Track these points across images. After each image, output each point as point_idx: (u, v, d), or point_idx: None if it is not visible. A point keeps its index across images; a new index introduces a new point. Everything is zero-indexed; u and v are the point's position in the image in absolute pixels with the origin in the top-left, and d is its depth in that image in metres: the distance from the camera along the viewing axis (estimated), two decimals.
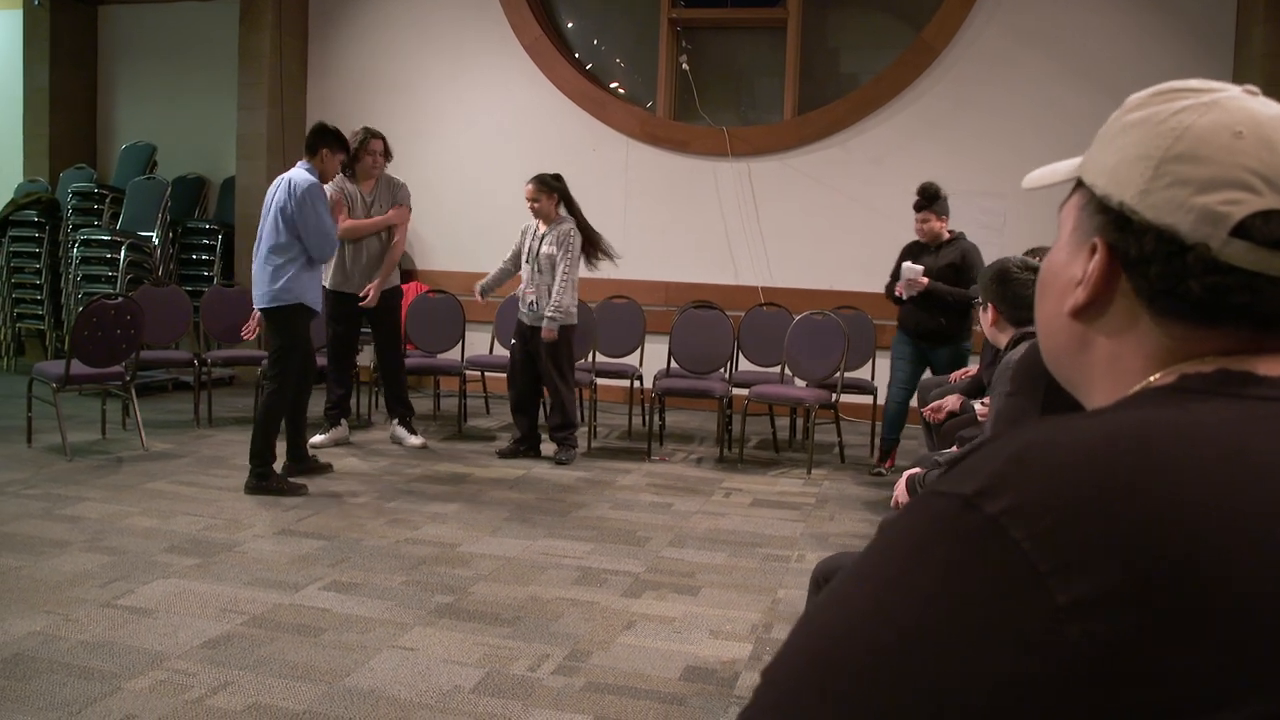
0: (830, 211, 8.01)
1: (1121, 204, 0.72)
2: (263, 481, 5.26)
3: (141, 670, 3.14)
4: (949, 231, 6.00)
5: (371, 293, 6.17)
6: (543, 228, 6.19)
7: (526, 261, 6.21)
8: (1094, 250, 0.74)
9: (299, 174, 5.33)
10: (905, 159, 7.82)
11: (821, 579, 2.43)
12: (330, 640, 3.43)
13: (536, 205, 6.15)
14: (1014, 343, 2.96)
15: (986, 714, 0.54)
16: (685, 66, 8.39)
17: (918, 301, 5.88)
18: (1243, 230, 0.67)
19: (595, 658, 3.37)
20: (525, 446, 6.29)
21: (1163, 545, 0.55)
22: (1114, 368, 0.75)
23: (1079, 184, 0.79)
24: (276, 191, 5.34)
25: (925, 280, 5.81)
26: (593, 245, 6.26)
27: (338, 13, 9.01)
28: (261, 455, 5.27)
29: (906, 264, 5.92)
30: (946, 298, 5.82)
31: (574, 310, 6.21)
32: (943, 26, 7.75)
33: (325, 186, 5.51)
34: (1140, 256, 0.71)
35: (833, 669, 0.59)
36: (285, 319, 5.31)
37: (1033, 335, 2.81)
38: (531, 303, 6.16)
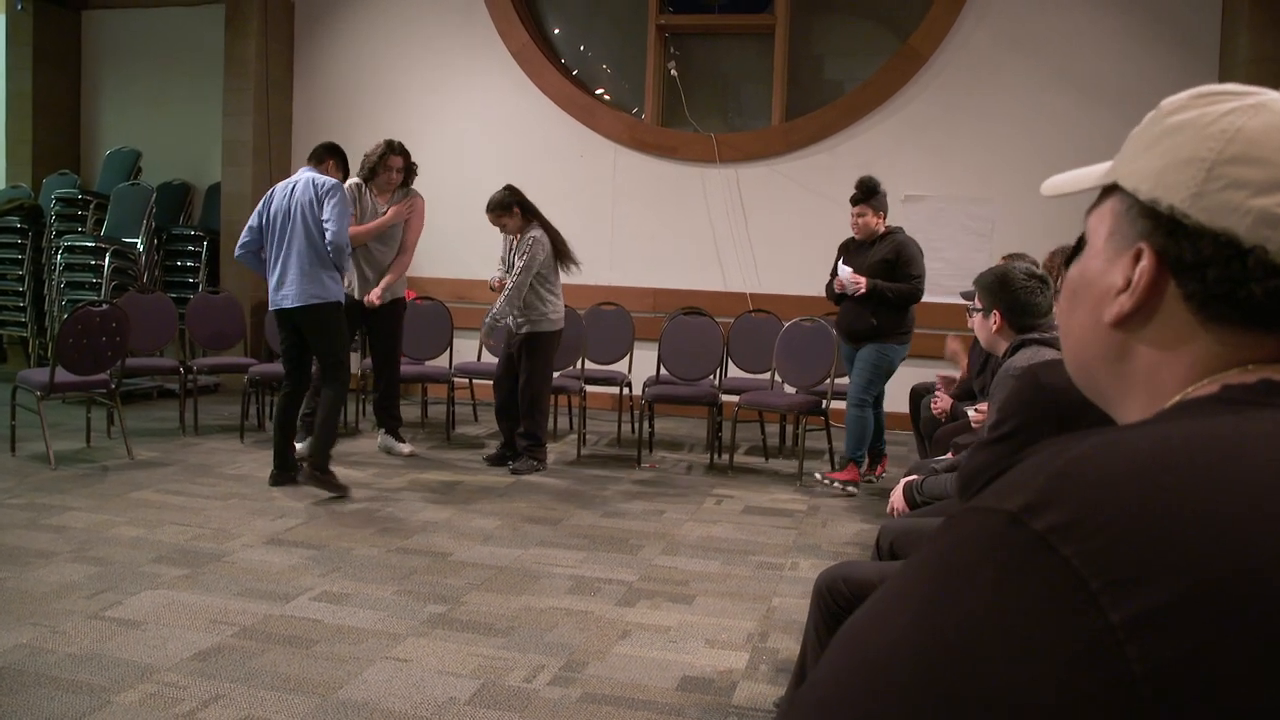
0: (818, 217, 8.01)
1: (1172, 208, 0.70)
2: (322, 475, 5.33)
3: (131, 683, 3.10)
4: (885, 227, 5.87)
5: (376, 294, 6.12)
6: (516, 238, 6.15)
7: (507, 271, 6.17)
8: (1138, 256, 0.72)
9: (318, 176, 5.38)
10: (893, 165, 7.83)
11: (825, 590, 2.41)
12: (322, 652, 3.39)
13: (503, 227, 6.13)
14: (1012, 350, 2.95)
15: None
16: (674, 73, 8.38)
17: (852, 300, 5.77)
18: None
19: (591, 668, 3.34)
20: (510, 453, 6.25)
21: (1217, 559, 0.53)
22: (1154, 378, 0.74)
23: (1112, 189, 0.77)
24: (289, 197, 5.32)
25: (863, 281, 5.68)
26: (559, 250, 6.16)
27: (323, 19, 8.97)
28: (323, 451, 5.36)
29: (842, 268, 5.82)
30: (887, 294, 5.67)
31: (553, 318, 6.13)
32: (930, 32, 7.76)
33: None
34: (1196, 261, 0.69)
35: (876, 692, 0.56)
36: (327, 317, 5.35)
37: (1031, 343, 2.77)
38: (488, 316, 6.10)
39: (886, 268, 5.74)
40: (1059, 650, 0.52)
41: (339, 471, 5.53)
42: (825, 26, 8.44)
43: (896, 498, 3.36)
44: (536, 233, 6.04)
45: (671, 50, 8.49)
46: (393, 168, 6.19)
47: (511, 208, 6.06)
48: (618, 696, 3.13)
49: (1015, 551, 0.56)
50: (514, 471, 6.07)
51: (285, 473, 5.51)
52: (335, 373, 5.40)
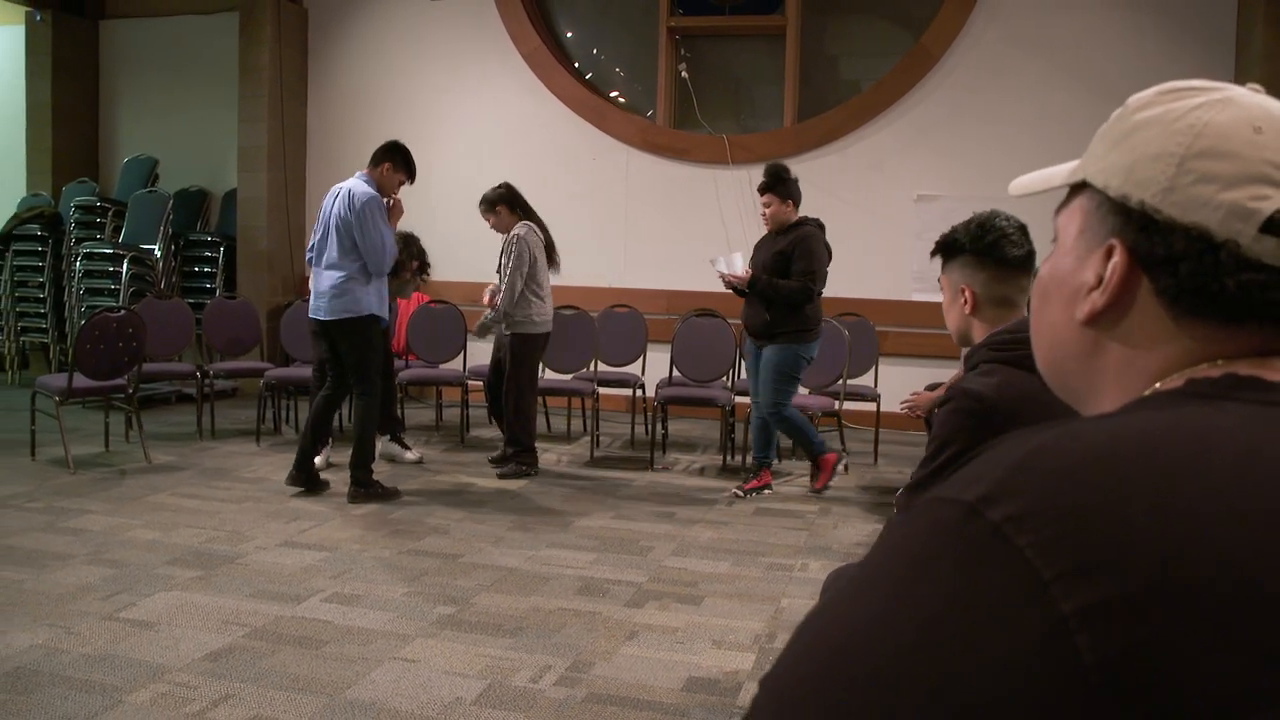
0: (830, 218, 7.90)
1: (1143, 203, 0.71)
2: (366, 489, 5.36)
3: (143, 683, 3.14)
4: (799, 218, 5.60)
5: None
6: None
7: (496, 272, 6.18)
8: (1109, 253, 0.73)
9: (358, 185, 5.33)
10: (905, 165, 7.83)
11: (830, 588, 2.41)
12: (332, 652, 3.42)
13: (492, 223, 6.11)
14: (972, 364, 2.87)
15: None
16: (685, 75, 8.40)
17: (752, 295, 5.53)
18: (1271, 226, 0.67)
19: (597, 668, 3.36)
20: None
21: (1172, 551, 0.53)
22: (1125, 374, 0.74)
23: (1081, 187, 0.78)
24: (334, 203, 5.34)
25: (741, 275, 5.48)
26: (548, 251, 6.10)
27: (337, 25, 9.03)
28: (362, 465, 5.36)
29: (721, 260, 5.60)
30: (766, 291, 5.44)
31: (538, 320, 6.03)
32: (941, 32, 7.75)
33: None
34: (1169, 256, 0.70)
35: (833, 680, 0.58)
36: (355, 331, 5.31)
37: (995, 359, 2.61)
38: (484, 318, 6.10)
39: (783, 261, 5.46)
40: (1013, 640, 0.53)
41: (342, 478, 5.56)
42: (836, 27, 8.44)
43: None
44: (521, 230, 5.98)
45: (682, 52, 8.51)
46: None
47: (495, 205, 6.03)
48: (623, 697, 3.15)
49: (971, 542, 0.57)
50: (500, 476, 6.02)
51: (302, 473, 5.50)
52: (363, 385, 5.37)
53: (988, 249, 2.31)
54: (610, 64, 8.98)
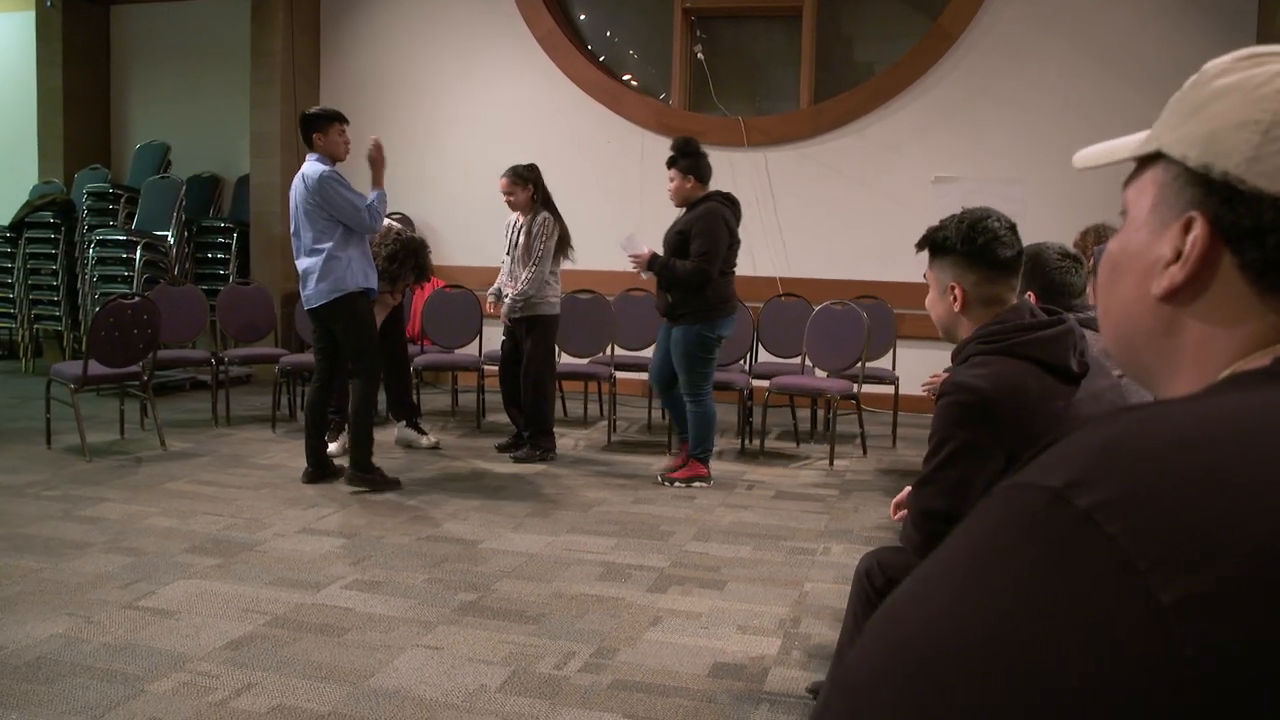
0: (847, 200, 7.95)
1: (1226, 174, 0.67)
2: (364, 474, 5.28)
3: (164, 672, 3.11)
4: (706, 194, 5.43)
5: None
6: (521, 219, 6.09)
7: (507, 253, 6.13)
8: (1188, 226, 0.69)
9: (310, 167, 5.32)
10: (923, 147, 7.75)
11: (864, 574, 2.37)
12: (354, 640, 3.39)
13: (511, 199, 6.00)
14: (963, 357, 2.85)
15: None
16: (700, 56, 8.32)
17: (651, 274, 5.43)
18: None
19: (622, 655, 3.32)
20: (520, 440, 6.19)
21: (1273, 539, 0.49)
22: (1204, 352, 0.70)
23: (1153, 159, 0.74)
24: (295, 192, 5.31)
25: (641, 253, 5.37)
26: (564, 240, 6.07)
27: (349, 9, 8.97)
28: (360, 448, 5.29)
29: (624, 237, 5.49)
30: (662, 272, 5.32)
31: (553, 301, 6.03)
32: (959, 12, 7.66)
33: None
34: (1255, 227, 0.66)
35: (913, 676, 0.54)
36: (346, 310, 5.27)
37: (984, 352, 2.55)
38: (513, 296, 6.01)
39: (680, 240, 5.32)
40: (1106, 633, 0.50)
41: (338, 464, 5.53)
42: (853, 8, 8.34)
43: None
44: (545, 214, 5.98)
45: (698, 34, 8.43)
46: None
47: (528, 183, 5.99)
48: (649, 683, 3.11)
49: (1058, 530, 0.53)
50: (516, 460, 5.99)
51: (319, 470, 5.46)
52: (363, 364, 5.33)
53: (979, 251, 2.28)
54: (625, 46, 8.91)
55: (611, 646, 3.39)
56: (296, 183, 5.33)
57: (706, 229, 5.28)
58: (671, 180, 5.44)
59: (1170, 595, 0.49)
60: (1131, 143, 0.78)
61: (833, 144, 7.97)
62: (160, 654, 3.24)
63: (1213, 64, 0.72)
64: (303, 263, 5.30)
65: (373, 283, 5.41)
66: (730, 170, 8.14)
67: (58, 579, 3.90)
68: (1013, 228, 2.34)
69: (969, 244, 2.27)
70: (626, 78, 8.67)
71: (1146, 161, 0.75)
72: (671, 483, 5.53)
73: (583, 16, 8.82)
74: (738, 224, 5.52)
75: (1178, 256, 0.70)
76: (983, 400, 2.14)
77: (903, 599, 0.59)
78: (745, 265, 8.07)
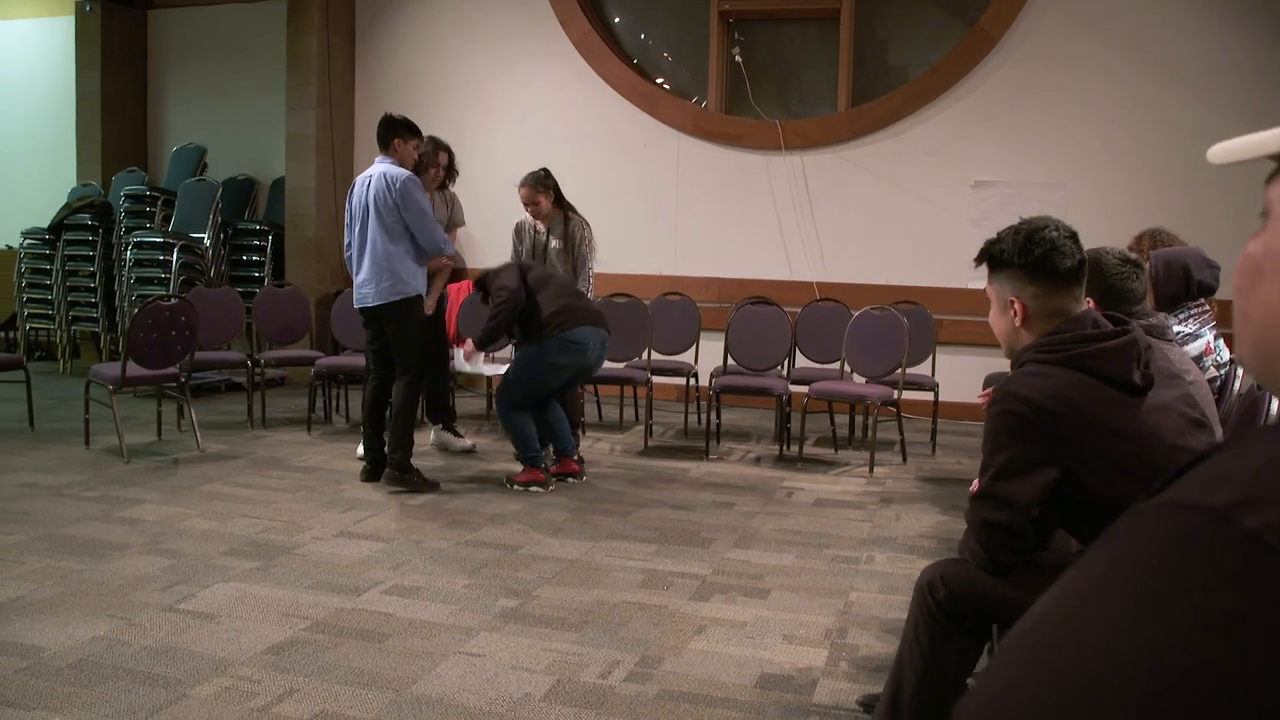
0: (885, 205, 7.87)
1: None
2: (403, 474, 5.27)
3: (206, 677, 3.08)
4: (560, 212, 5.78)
5: (431, 304, 6.04)
6: (541, 225, 6.04)
7: (530, 255, 6.08)
8: None
9: (389, 168, 5.27)
10: (961, 151, 7.67)
11: (925, 587, 2.30)
12: (395, 646, 3.35)
13: (535, 207, 5.96)
14: (1020, 362, 2.78)
15: None
16: (738, 59, 8.26)
17: None
18: None
19: (667, 664, 3.27)
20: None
21: None
22: None
23: None
24: (366, 191, 5.27)
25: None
26: None
27: (384, 12, 8.98)
28: (402, 448, 5.27)
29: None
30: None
31: None
32: (999, 14, 7.57)
33: None
34: None
35: (1083, 705, 0.50)
36: (403, 313, 5.27)
37: (1033, 360, 2.43)
38: None
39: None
40: None
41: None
42: (891, 11, 8.27)
43: None
44: (581, 217, 6.00)
45: (736, 36, 8.37)
46: (439, 164, 6.04)
47: (549, 189, 5.96)
48: (696, 694, 3.06)
49: (1228, 553, 0.50)
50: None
51: (378, 469, 5.42)
52: (406, 364, 5.32)
53: (1037, 263, 2.21)
54: (660, 49, 8.87)
55: (656, 655, 3.34)
56: (368, 180, 5.29)
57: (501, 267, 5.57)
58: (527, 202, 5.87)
59: None
60: (1275, 137, 0.73)
61: (870, 147, 7.90)
62: (201, 658, 3.22)
63: None
64: (365, 261, 5.27)
65: (425, 288, 5.43)
66: (767, 174, 8.10)
67: (98, 580, 3.88)
68: (1073, 236, 2.26)
69: (1026, 255, 2.20)
70: (660, 82, 8.62)
71: None
72: (512, 485, 5.44)
73: (618, 19, 8.79)
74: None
75: None
76: (1036, 412, 2.09)
77: (1052, 624, 0.55)
78: (781, 269, 8.05)
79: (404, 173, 5.25)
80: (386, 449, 5.35)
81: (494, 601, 3.78)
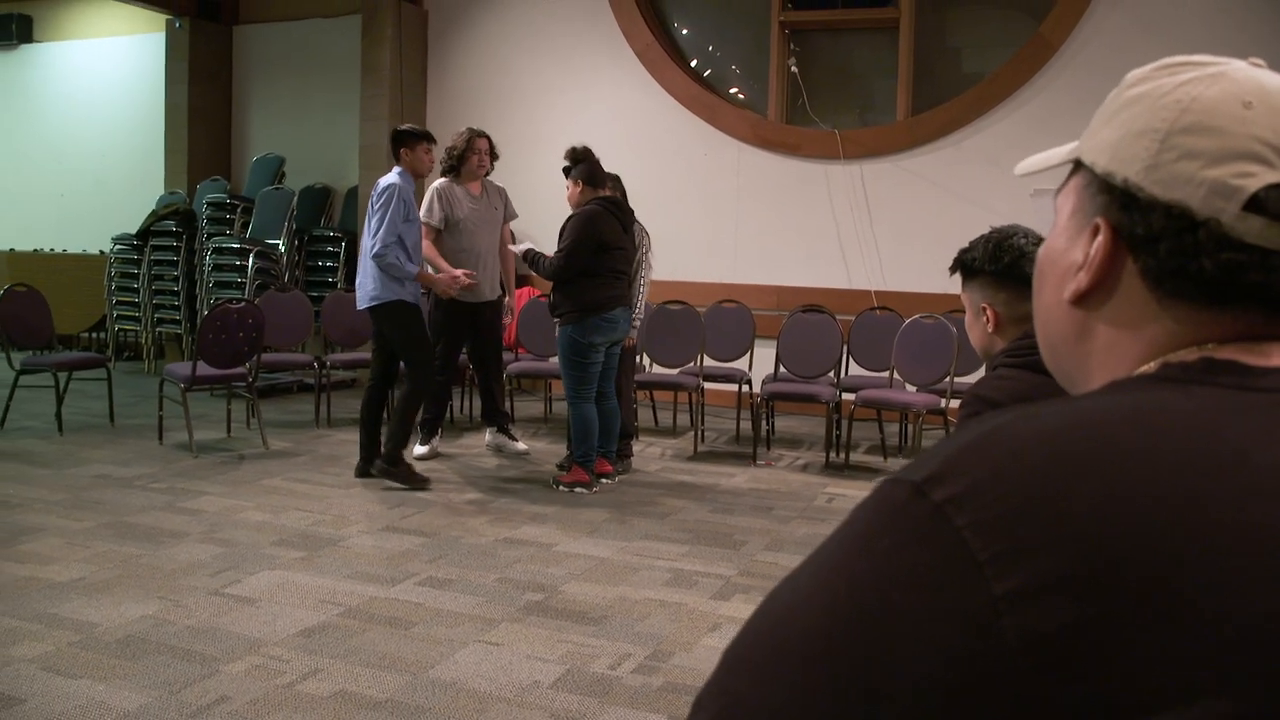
0: (944, 213, 7.85)
1: (1126, 181, 0.68)
2: (391, 466, 5.46)
3: (239, 655, 3.28)
4: (592, 198, 5.59)
5: (514, 309, 6.14)
6: None
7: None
8: (1095, 232, 0.70)
9: (386, 176, 5.56)
10: (1022, 158, 7.49)
11: None
12: (419, 633, 3.51)
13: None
14: (992, 366, 2.77)
15: (916, 705, 0.52)
16: (794, 69, 8.32)
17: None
18: (1256, 204, 0.64)
19: (676, 658, 3.37)
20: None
21: (1110, 537, 0.52)
22: (1110, 357, 0.71)
23: (1078, 166, 0.75)
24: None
25: (519, 247, 5.74)
26: None
27: (455, 26, 9.24)
28: (393, 441, 5.49)
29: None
30: (532, 265, 5.57)
31: None
32: (1061, 20, 7.51)
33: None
34: (1148, 235, 0.67)
35: (767, 647, 0.59)
36: (393, 316, 5.49)
37: (1005, 365, 2.49)
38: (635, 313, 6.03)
39: (561, 240, 5.53)
40: (944, 621, 0.53)
41: (449, 467, 5.67)
42: (951, 19, 8.26)
43: None
44: (642, 225, 6.10)
45: (792, 46, 8.43)
46: (481, 150, 6.11)
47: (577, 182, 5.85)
48: (698, 687, 3.14)
49: (912, 521, 0.57)
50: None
51: (367, 464, 5.65)
52: (412, 370, 5.56)
53: (1006, 270, 2.25)
54: (722, 60, 8.97)
55: (667, 650, 3.44)
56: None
57: (572, 227, 5.45)
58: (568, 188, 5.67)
59: (1003, 586, 0.52)
60: (1065, 150, 0.80)
61: (930, 156, 7.89)
62: (237, 638, 3.41)
63: (1133, 73, 0.73)
64: (360, 267, 5.58)
65: (407, 295, 5.51)
66: (826, 182, 8.14)
67: (154, 565, 4.12)
68: (1040, 243, 2.30)
69: (996, 263, 2.25)
70: (734, 91, 8.70)
71: (1075, 168, 0.76)
72: (558, 486, 5.57)
73: (684, 31, 8.91)
74: (626, 229, 5.64)
75: (1087, 261, 0.71)
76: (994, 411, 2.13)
77: (783, 581, 0.64)
78: (840, 278, 8.07)
79: (388, 181, 5.48)
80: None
81: (520, 595, 3.92)
